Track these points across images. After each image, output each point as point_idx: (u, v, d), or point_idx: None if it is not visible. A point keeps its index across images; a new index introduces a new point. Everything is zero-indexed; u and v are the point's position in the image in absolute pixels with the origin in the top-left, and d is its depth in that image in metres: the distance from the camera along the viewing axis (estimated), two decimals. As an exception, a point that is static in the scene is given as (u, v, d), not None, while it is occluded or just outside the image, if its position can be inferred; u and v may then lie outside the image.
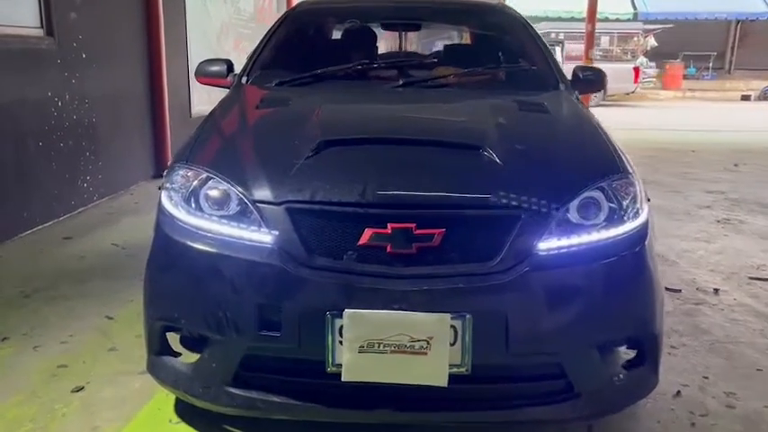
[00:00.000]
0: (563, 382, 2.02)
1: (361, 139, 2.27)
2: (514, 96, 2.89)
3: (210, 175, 2.17)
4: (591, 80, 3.33)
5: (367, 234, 1.97)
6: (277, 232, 2.01)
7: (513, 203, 2.01)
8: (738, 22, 25.09)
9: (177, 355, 2.24)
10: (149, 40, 6.33)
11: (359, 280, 1.94)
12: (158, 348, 2.20)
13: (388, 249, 1.96)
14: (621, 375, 2.08)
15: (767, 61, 23.90)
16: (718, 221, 5.32)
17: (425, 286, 1.93)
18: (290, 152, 2.19)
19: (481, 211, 2.02)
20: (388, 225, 1.97)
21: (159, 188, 2.62)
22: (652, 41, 22.78)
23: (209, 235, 2.09)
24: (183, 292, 2.10)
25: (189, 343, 2.20)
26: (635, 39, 20.93)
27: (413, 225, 1.96)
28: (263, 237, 2.02)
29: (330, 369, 1.93)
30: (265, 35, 3.57)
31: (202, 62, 3.45)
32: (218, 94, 8.14)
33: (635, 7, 22.91)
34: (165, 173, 2.46)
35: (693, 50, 24.79)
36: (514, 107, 2.74)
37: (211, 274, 2.05)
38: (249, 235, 2.05)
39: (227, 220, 2.10)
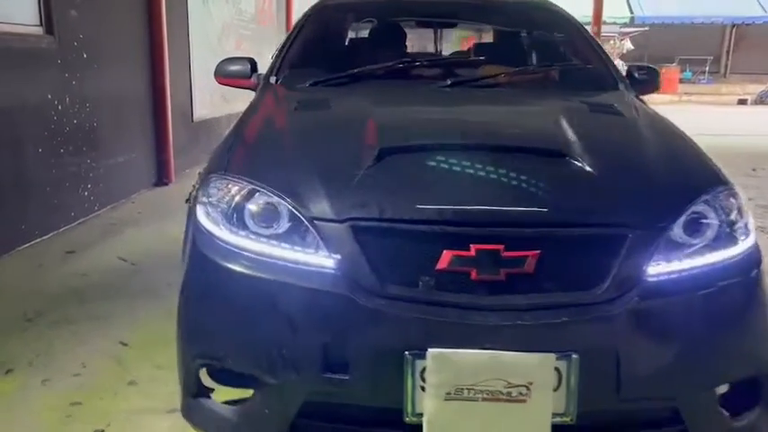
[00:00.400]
0: (677, 430, 1.73)
1: (428, 145, 1.97)
2: (577, 97, 2.62)
3: (256, 188, 1.87)
4: (646, 80, 3.06)
5: (446, 257, 1.68)
6: (339, 255, 1.71)
7: (619, 220, 1.73)
8: (734, 26, 25.05)
9: (210, 390, 1.94)
10: (151, 40, 6.00)
11: (442, 312, 1.65)
12: (196, 390, 1.89)
13: (473, 275, 1.67)
14: (739, 419, 1.79)
15: (763, 65, 23.84)
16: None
17: (521, 320, 1.63)
18: (347, 161, 1.90)
19: (582, 229, 1.73)
20: (471, 246, 1.67)
21: (186, 201, 2.33)
22: (628, 44, 22.68)
23: (260, 258, 1.79)
24: (228, 325, 1.79)
25: (222, 377, 1.90)
26: (611, 42, 20.82)
27: (500, 246, 1.67)
28: (324, 260, 1.73)
29: (409, 419, 1.63)
30: (291, 32, 3.29)
31: (223, 61, 3.14)
32: (219, 97, 7.84)
33: (631, 11, 22.82)
34: (196, 184, 2.16)
35: (689, 54, 24.69)
36: (584, 108, 2.46)
37: (264, 304, 1.75)
38: (306, 258, 1.75)
39: (277, 241, 1.80)
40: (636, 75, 3.03)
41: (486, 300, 1.66)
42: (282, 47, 3.14)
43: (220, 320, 1.80)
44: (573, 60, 3.06)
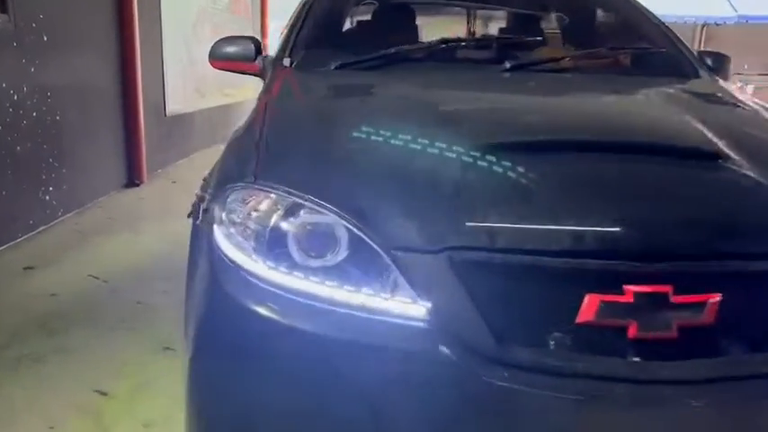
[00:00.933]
0: None
1: (538, 143, 1.45)
2: (668, 84, 2.18)
3: (300, 201, 1.34)
4: (718, 69, 2.62)
5: (590, 305, 1.17)
6: (432, 302, 1.20)
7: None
8: (704, 25, 25.12)
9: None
10: (121, 24, 5.35)
11: (598, 389, 1.14)
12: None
13: (631, 332, 1.16)
14: None
15: (732, 65, 23.94)
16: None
17: (715, 400, 1.13)
18: (427, 164, 1.38)
19: None
20: (626, 288, 1.17)
21: (189, 215, 1.78)
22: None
23: (313, 304, 1.26)
24: (272, 410, 1.25)
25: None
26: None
27: (668, 288, 1.17)
28: (408, 308, 1.21)
29: None
30: (300, 8, 2.74)
31: (220, 41, 2.58)
32: (193, 91, 7.21)
33: (603, 9, 22.64)
34: (205, 195, 1.61)
35: (660, 53, 24.66)
36: (695, 99, 2.00)
37: (325, 375, 1.22)
38: (383, 304, 1.23)
39: (338, 280, 1.27)
40: (708, 62, 2.60)
41: (657, 369, 1.16)
42: (293, 25, 2.61)
43: (262, 402, 1.26)
44: (642, 44, 2.59)
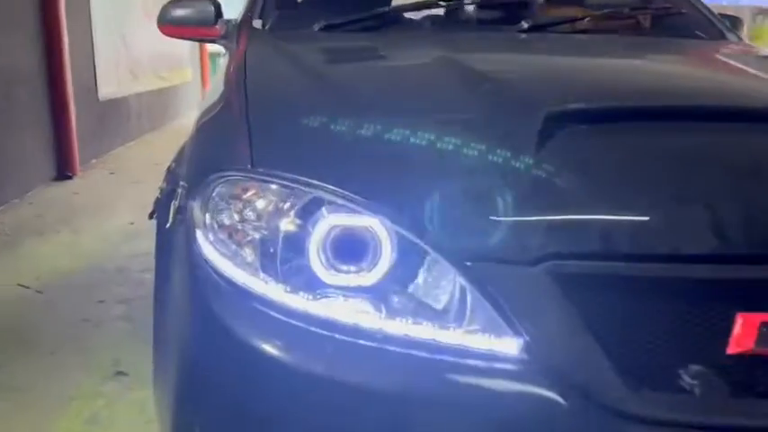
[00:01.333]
0: None
1: (613, 111, 1.11)
2: (716, 47, 1.95)
3: (323, 195, 0.97)
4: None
5: (746, 328, 0.85)
6: (526, 335, 0.86)
7: None
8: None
9: None
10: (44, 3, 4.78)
11: None
12: None
13: (804, 366, 0.85)
14: None
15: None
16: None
17: None
18: (498, 142, 1.02)
19: None
20: (785, 304, 0.85)
21: (150, 217, 1.40)
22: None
23: (352, 340, 0.90)
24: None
25: None
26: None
27: None
28: (496, 343, 0.87)
29: None
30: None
31: (171, 2, 2.15)
32: (126, 72, 6.63)
33: None
34: (181, 191, 1.22)
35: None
36: (755, 61, 1.73)
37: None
38: (453, 338, 0.88)
39: (380, 301, 0.92)
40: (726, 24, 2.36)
41: None
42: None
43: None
44: (659, 3, 2.32)
